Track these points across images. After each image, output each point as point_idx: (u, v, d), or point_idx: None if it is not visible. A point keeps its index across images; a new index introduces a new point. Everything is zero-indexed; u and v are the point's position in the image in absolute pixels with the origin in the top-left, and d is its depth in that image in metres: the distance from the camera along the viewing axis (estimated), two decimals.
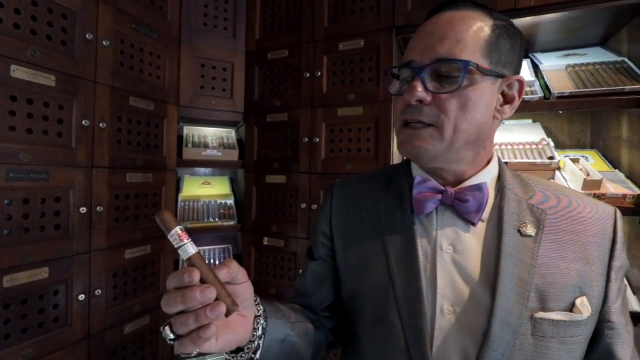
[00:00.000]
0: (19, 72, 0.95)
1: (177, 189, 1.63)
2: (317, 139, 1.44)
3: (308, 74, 1.47)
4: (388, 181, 0.63)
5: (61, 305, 1.09)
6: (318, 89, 1.46)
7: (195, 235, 1.70)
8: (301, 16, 1.50)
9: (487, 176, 0.54)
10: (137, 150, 1.33)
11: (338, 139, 1.42)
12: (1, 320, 0.94)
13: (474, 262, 0.50)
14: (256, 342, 0.48)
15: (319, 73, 1.45)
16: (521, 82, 0.52)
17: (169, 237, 0.41)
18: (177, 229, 0.41)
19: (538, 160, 1.25)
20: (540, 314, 0.47)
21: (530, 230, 0.50)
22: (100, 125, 1.18)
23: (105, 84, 1.20)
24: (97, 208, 1.18)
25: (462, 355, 0.47)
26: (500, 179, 0.55)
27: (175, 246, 0.40)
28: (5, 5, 0.92)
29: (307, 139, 1.45)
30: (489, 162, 0.56)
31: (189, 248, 0.40)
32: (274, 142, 1.55)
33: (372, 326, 0.54)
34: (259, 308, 0.50)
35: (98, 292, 1.19)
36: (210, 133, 1.73)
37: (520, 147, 1.34)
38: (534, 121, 1.46)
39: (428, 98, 0.49)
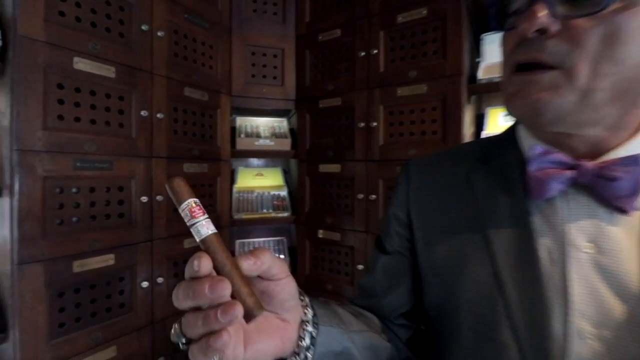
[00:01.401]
0: (81, 64, 0.98)
1: (232, 181, 1.63)
2: (375, 123, 1.31)
3: (363, 53, 1.35)
4: (484, 157, 0.48)
5: (126, 292, 1.12)
6: (374, 69, 1.33)
7: (249, 226, 1.70)
8: None
9: None
10: (193, 140, 1.34)
11: (398, 122, 1.28)
12: (72, 304, 0.98)
13: (628, 266, 0.35)
14: (302, 355, 0.38)
15: (375, 51, 1.32)
16: None
17: (180, 211, 0.32)
18: (191, 201, 0.32)
19: None
20: None
21: None
22: (158, 115, 1.19)
23: (162, 75, 1.20)
24: (157, 197, 1.20)
25: None
26: None
27: (187, 223, 0.32)
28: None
29: (363, 124, 1.34)
30: None
31: (203, 227, 0.32)
32: (327, 129, 1.46)
33: (472, 345, 0.41)
34: (306, 311, 0.40)
35: (160, 280, 1.21)
36: (263, 123, 1.70)
37: None
38: None
39: (555, 26, 0.34)
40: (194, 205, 0.32)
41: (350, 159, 1.37)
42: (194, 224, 0.32)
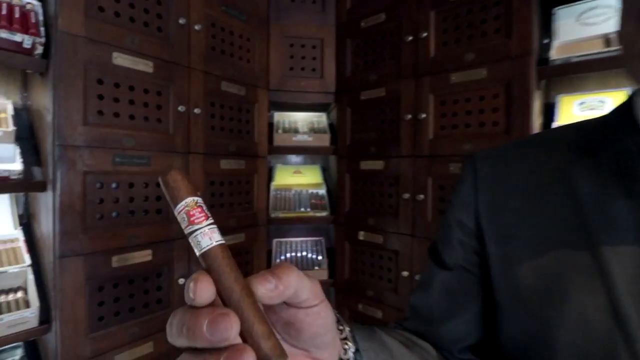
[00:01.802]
0: (120, 59, 0.98)
1: (269, 178, 1.58)
2: (423, 115, 1.17)
3: (410, 38, 1.22)
4: (589, 146, 0.35)
5: (164, 288, 1.12)
6: (424, 54, 1.19)
7: (287, 225, 1.65)
8: None
9: None
10: (230, 136, 1.30)
11: (451, 113, 1.13)
12: (111, 298, 0.99)
13: None
14: None
15: (425, 34, 1.18)
16: None
17: (176, 214, 0.24)
18: (190, 201, 0.24)
19: None
20: None
21: None
22: (195, 111, 1.17)
23: (199, 69, 1.18)
24: (197, 192, 1.18)
25: None
26: None
27: (185, 231, 0.24)
28: None
29: (410, 116, 1.20)
30: None
31: (205, 237, 0.23)
32: (370, 123, 1.35)
33: None
34: (347, 346, 0.30)
35: None
36: (301, 118, 1.63)
37: None
38: None
39: None
40: (193, 206, 0.23)
41: (395, 155, 1.25)
42: (192, 232, 0.23)
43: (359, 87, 1.37)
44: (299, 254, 1.52)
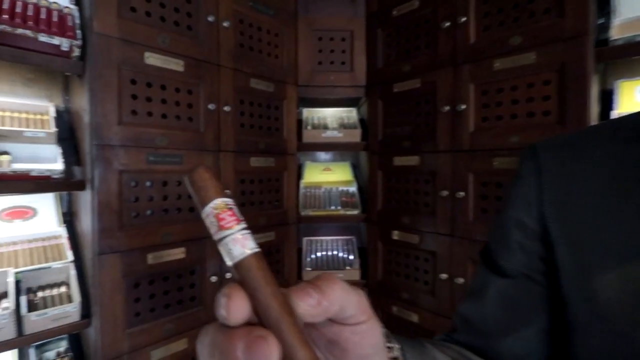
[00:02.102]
0: (152, 58, 0.98)
1: (299, 176, 1.56)
2: (463, 106, 1.09)
3: (447, 24, 1.13)
4: None
5: (197, 285, 1.12)
6: (462, 40, 1.10)
7: (317, 223, 1.62)
8: None
9: None
10: (259, 133, 1.29)
11: (494, 103, 1.04)
12: (147, 295, 1.00)
13: None
14: None
15: (464, 19, 1.09)
16: None
17: (203, 217, 0.21)
18: (220, 202, 0.20)
19: None
20: None
21: None
22: (225, 109, 1.17)
23: (228, 67, 1.17)
24: (225, 192, 1.18)
25: None
26: None
27: (214, 237, 0.20)
28: None
29: (447, 108, 1.13)
30: None
31: (237, 244, 0.20)
32: (404, 116, 1.28)
33: None
34: None
35: (228, 275, 1.19)
36: (330, 114, 1.59)
37: None
38: None
39: None
40: (223, 208, 0.20)
41: (432, 149, 1.18)
42: (223, 239, 0.20)
43: (391, 79, 1.31)
44: (329, 253, 1.48)
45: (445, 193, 1.12)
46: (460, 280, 1.10)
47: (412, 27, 1.26)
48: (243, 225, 0.20)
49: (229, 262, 0.20)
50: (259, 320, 0.19)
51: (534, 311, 0.36)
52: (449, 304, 1.14)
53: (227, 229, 0.20)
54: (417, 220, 1.22)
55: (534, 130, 0.95)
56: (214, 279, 1.15)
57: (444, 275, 1.14)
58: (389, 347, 0.26)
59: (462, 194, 1.09)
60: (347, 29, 1.42)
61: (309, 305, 0.19)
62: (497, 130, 1.03)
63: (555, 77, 0.92)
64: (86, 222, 0.93)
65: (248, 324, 0.19)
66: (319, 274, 0.21)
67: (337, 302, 0.20)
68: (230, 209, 0.20)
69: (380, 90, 1.35)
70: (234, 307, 0.18)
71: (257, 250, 0.20)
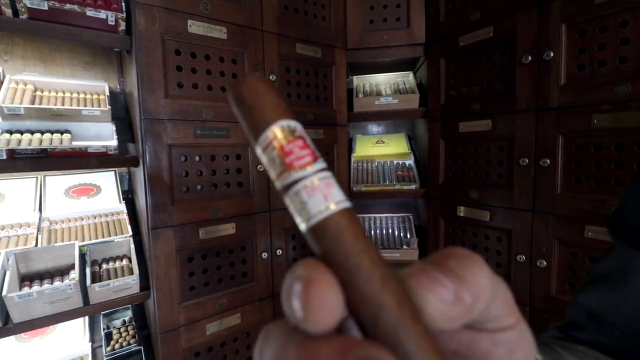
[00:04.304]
0: (195, 27, 0.94)
1: (350, 150, 1.46)
2: (551, 54, 0.89)
3: None
4: None
5: (248, 261, 1.11)
6: None
7: (369, 200, 1.52)
8: None
9: None
10: (307, 104, 1.21)
11: (596, 46, 0.83)
12: (200, 269, 1.01)
13: None
14: None
15: None
16: None
17: (257, 150, 0.13)
18: (283, 124, 0.12)
19: None
20: None
21: None
22: (271, 77, 1.10)
23: (272, 32, 1.09)
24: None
25: None
26: None
27: (277, 183, 0.12)
28: None
29: (529, 58, 0.93)
30: None
31: (316, 193, 0.11)
32: (472, 74, 1.10)
33: None
34: None
35: (279, 252, 1.16)
36: (383, 80, 1.44)
37: None
38: None
39: None
40: (290, 136, 0.13)
41: (508, 110, 0.99)
42: (291, 185, 0.12)
43: (456, 31, 1.12)
44: (384, 232, 1.38)
45: (525, 161, 0.94)
46: (543, 263, 0.93)
47: None
48: (321, 163, 0.13)
49: (302, 225, 0.12)
50: (357, 323, 0.11)
51: None
52: (527, 290, 0.98)
53: (299, 168, 0.12)
54: (488, 194, 1.06)
55: None
56: (264, 255, 1.13)
57: (522, 257, 0.98)
58: None
59: (547, 161, 0.90)
60: None
61: (442, 301, 0.11)
62: (598, 80, 0.82)
63: None
64: (142, 197, 0.94)
65: (338, 330, 0.11)
66: (444, 249, 0.12)
67: (484, 295, 0.12)
68: (300, 137, 0.13)
69: (443, 47, 1.18)
70: (318, 302, 0.10)
71: (348, 205, 0.12)
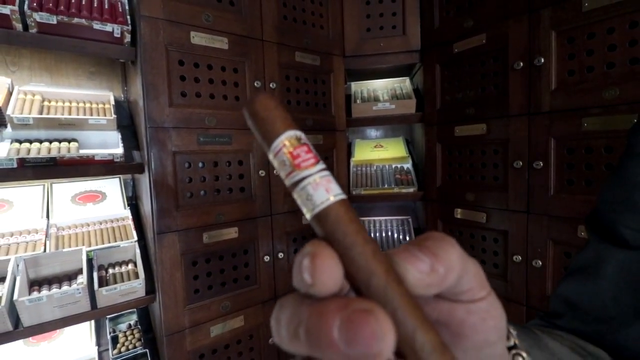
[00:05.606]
0: (197, 38, 0.97)
1: (349, 154, 1.49)
2: (542, 60, 0.92)
3: None
4: None
5: (250, 265, 1.13)
6: None
7: (369, 204, 1.55)
8: None
9: None
10: (307, 110, 1.24)
11: (584, 51, 0.86)
12: (204, 273, 1.03)
13: None
14: None
15: None
16: None
17: (270, 155, 0.16)
18: (290, 134, 0.16)
19: None
20: None
21: None
22: (271, 85, 1.13)
23: (272, 41, 1.13)
24: (275, 171, 1.16)
25: None
26: None
27: (286, 181, 0.16)
28: None
29: (521, 64, 0.96)
30: None
31: (318, 188, 0.15)
32: (466, 79, 1.13)
33: None
34: (519, 356, 0.20)
35: (281, 255, 1.18)
36: (381, 86, 1.48)
37: None
38: None
39: None
40: (295, 143, 0.16)
41: (502, 114, 1.02)
42: (299, 182, 0.15)
43: (450, 38, 1.16)
44: (384, 234, 1.41)
45: (519, 164, 0.97)
46: (539, 263, 0.96)
47: None
48: (322, 165, 0.16)
49: (308, 214, 0.15)
50: (353, 288, 0.14)
51: None
52: (523, 290, 1.00)
53: (305, 168, 0.15)
54: (484, 197, 1.08)
55: None
56: (267, 258, 1.15)
57: (517, 258, 1.00)
58: (507, 335, 0.20)
59: (540, 163, 0.93)
60: None
61: (419, 271, 0.14)
62: (587, 85, 0.85)
63: None
64: (147, 203, 0.97)
65: (342, 296, 0.14)
66: (425, 233, 0.16)
67: (455, 269, 0.15)
68: (305, 144, 0.16)
69: (438, 53, 1.21)
70: (323, 270, 0.13)
71: (344, 196, 0.15)
